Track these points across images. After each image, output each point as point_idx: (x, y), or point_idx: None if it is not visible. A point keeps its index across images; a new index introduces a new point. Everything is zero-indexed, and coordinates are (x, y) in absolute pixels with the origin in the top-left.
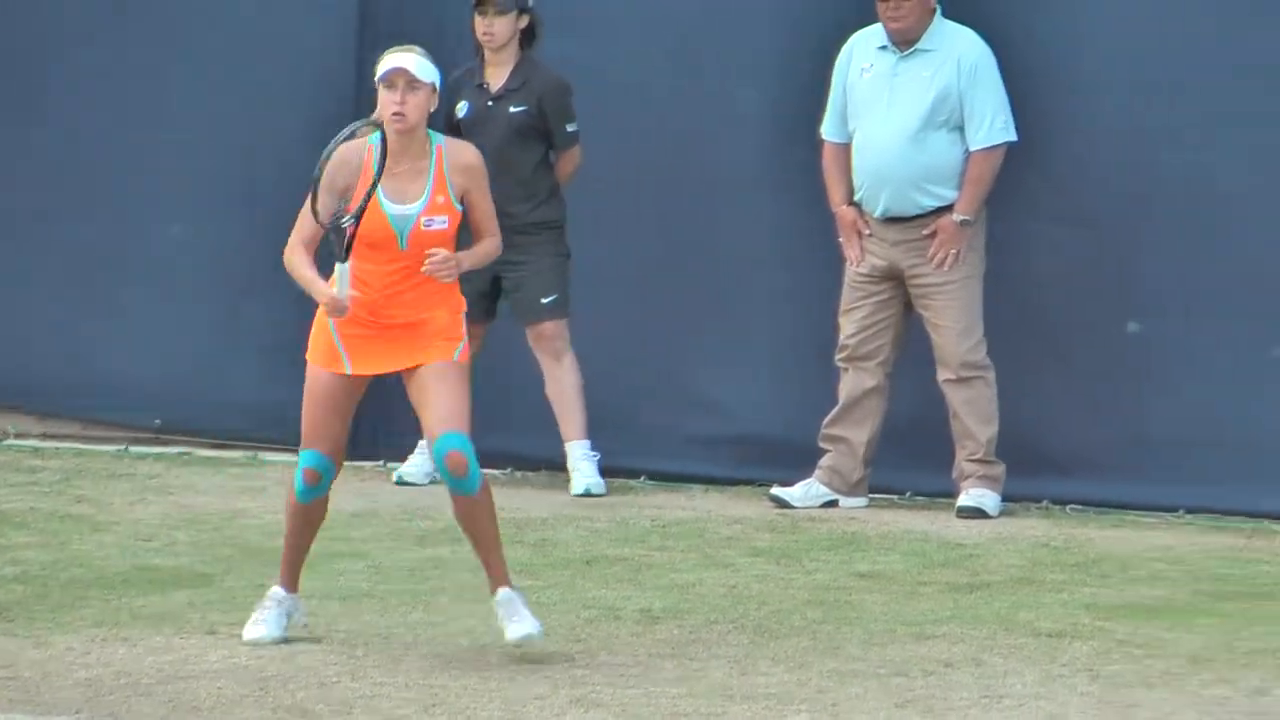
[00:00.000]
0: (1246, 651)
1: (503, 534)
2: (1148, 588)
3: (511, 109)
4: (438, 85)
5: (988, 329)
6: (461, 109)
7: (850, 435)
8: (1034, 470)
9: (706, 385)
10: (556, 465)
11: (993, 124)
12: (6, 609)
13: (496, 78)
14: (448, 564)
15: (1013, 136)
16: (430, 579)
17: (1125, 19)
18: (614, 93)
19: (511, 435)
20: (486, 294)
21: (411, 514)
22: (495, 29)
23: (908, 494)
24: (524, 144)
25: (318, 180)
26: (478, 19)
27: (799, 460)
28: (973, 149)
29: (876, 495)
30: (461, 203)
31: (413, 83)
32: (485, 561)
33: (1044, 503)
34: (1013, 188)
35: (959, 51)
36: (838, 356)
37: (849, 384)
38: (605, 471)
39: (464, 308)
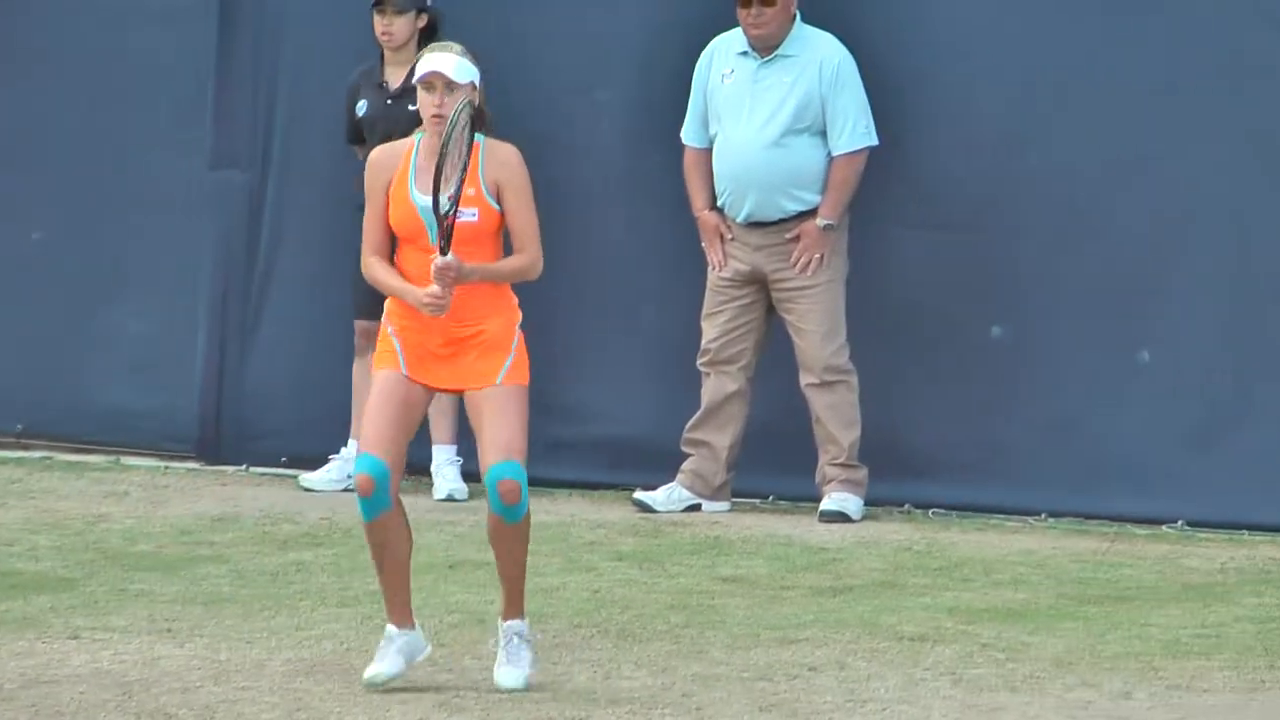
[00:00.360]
0: (1110, 655)
1: (362, 539)
2: (1011, 591)
3: (410, 107)
4: (477, 83)
5: (851, 333)
6: (360, 107)
7: (713, 439)
8: (897, 474)
9: (570, 389)
10: (420, 470)
11: (854, 128)
12: None
13: (395, 76)
14: (310, 568)
15: (874, 141)
16: (293, 583)
17: (987, 24)
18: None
19: None
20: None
21: (274, 518)
22: (394, 28)
23: (770, 498)
24: None
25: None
26: (376, 18)
27: (663, 464)
28: (835, 154)
29: (739, 499)
30: (498, 201)
31: (450, 84)
32: (506, 588)
33: (906, 507)
34: (875, 192)
35: (820, 56)
36: (700, 360)
37: (711, 388)
38: (468, 476)
39: (519, 318)
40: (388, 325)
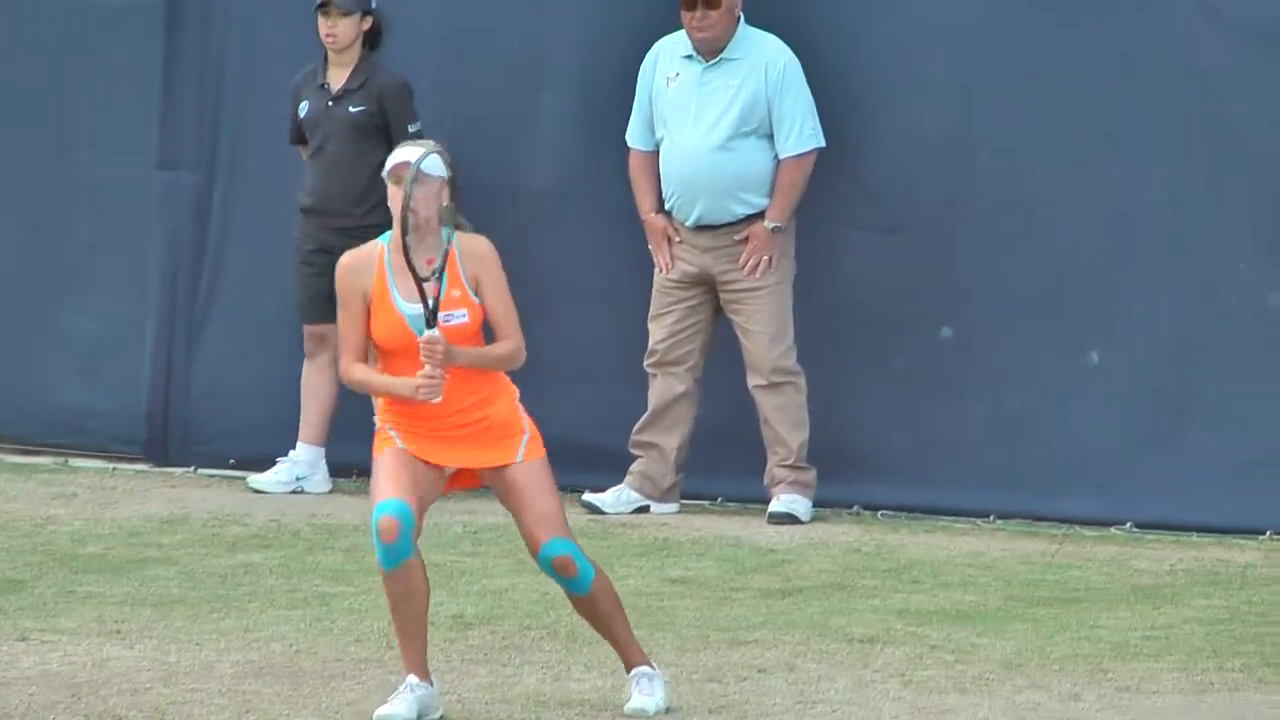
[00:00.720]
0: (1058, 657)
1: (315, 540)
2: (960, 593)
3: (350, 109)
4: (445, 178)
5: (799, 335)
6: (302, 109)
7: (661, 441)
8: (845, 475)
9: (523, 391)
10: (367, 471)
11: (801, 130)
12: None
13: (337, 78)
14: (259, 570)
15: (821, 142)
16: (242, 585)
17: (936, 24)
18: (421, 99)
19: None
20: (328, 295)
21: (223, 520)
22: (338, 30)
23: (719, 500)
24: (363, 144)
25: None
26: (321, 20)
27: (611, 465)
28: (782, 156)
29: (688, 501)
30: (478, 296)
31: (419, 178)
32: (614, 646)
33: (855, 508)
34: (823, 194)
35: (766, 59)
36: (647, 362)
37: (658, 390)
38: None
39: (517, 393)
40: (386, 426)
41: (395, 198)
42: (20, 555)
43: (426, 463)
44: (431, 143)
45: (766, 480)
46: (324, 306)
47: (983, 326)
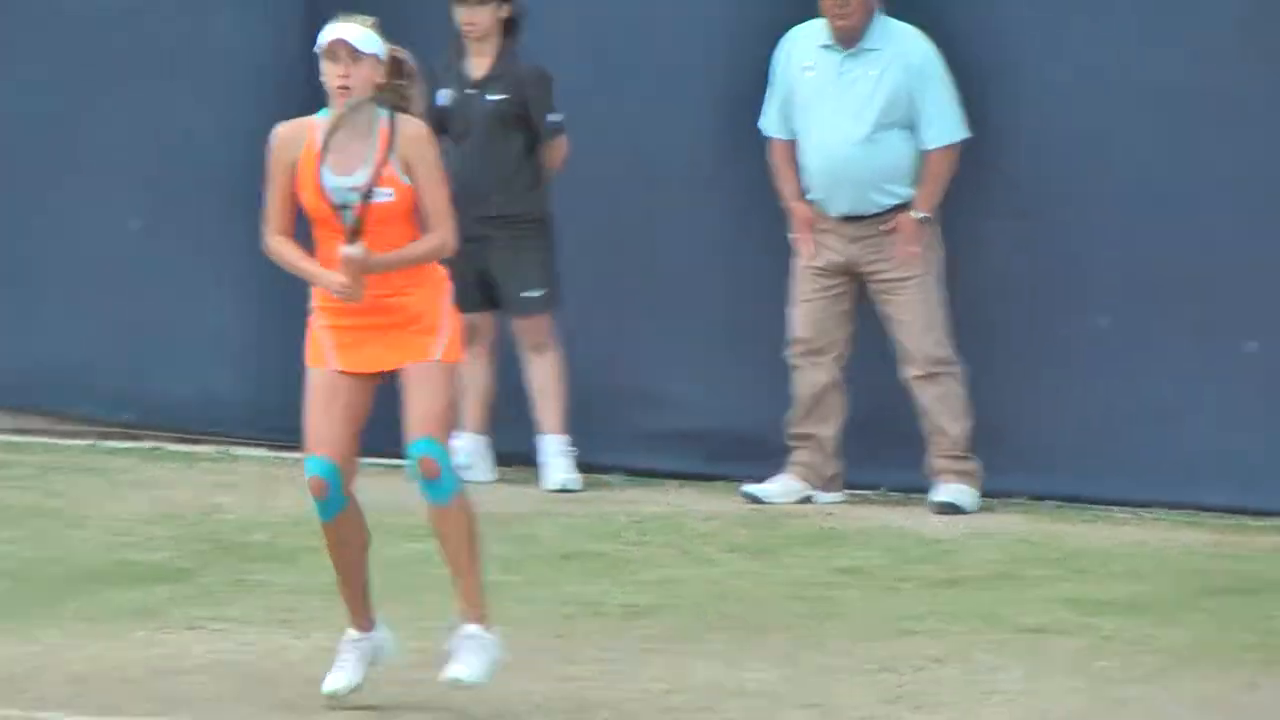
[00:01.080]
0: (1235, 646)
1: (482, 529)
2: (1129, 583)
3: (490, 97)
4: (381, 56)
5: (956, 325)
6: (442, 97)
7: (817, 431)
8: (1008, 465)
9: (664, 380)
10: (528, 460)
11: (947, 122)
12: None
13: (477, 68)
14: (426, 559)
15: (967, 133)
16: (415, 574)
17: (1072, 12)
18: (563, 89)
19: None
20: (478, 284)
21: (393, 510)
22: (476, 19)
23: (881, 489)
24: (504, 134)
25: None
26: (459, 9)
27: (768, 455)
28: (929, 147)
29: (850, 490)
30: (410, 178)
31: (354, 54)
32: (455, 585)
33: (1022, 498)
34: (968, 182)
35: (906, 50)
36: (790, 351)
37: (805, 380)
38: (579, 467)
39: (447, 290)
40: (317, 318)
41: (330, 74)
42: (188, 544)
43: (354, 374)
44: (367, 17)
45: (926, 470)
46: (470, 295)
47: (1139, 315)
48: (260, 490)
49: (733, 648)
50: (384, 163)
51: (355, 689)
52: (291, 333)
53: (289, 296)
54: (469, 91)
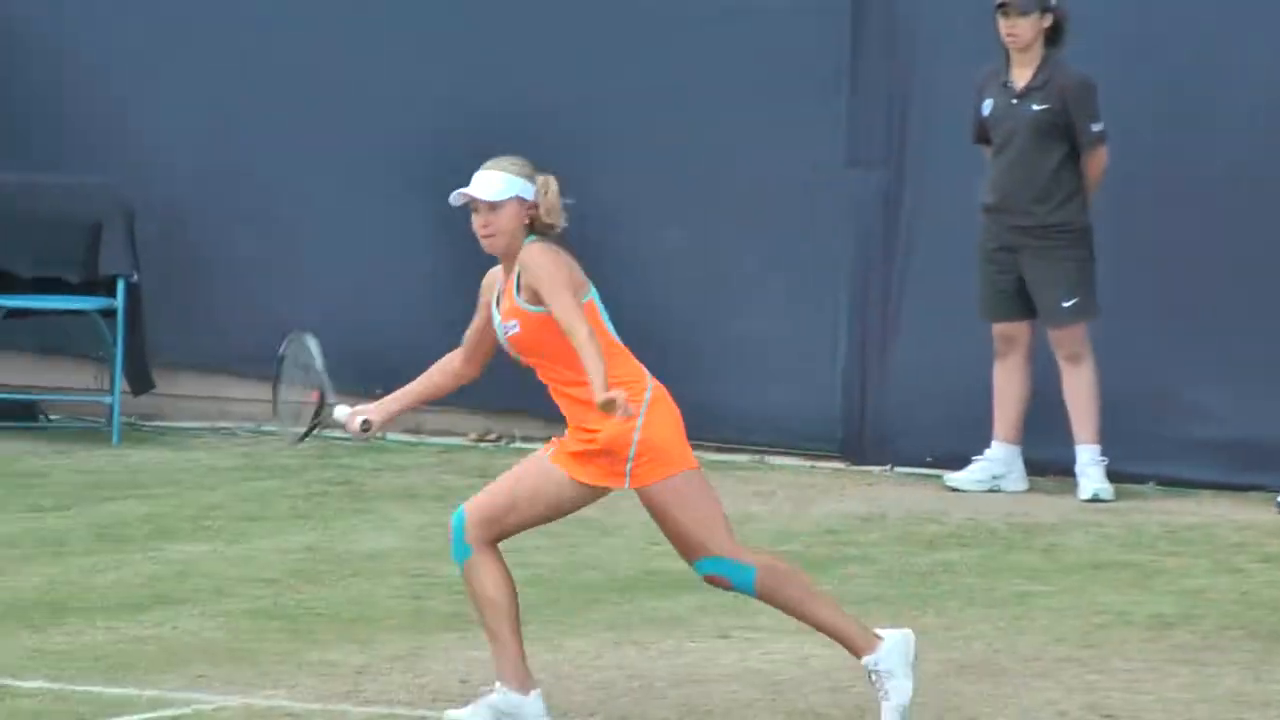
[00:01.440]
0: None
1: (1012, 539)
2: None
3: (1034, 107)
4: (525, 195)
5: None
6: (985, 107)
7: None
8: None
9: (1204, 389)
10: (1065, 470)
11: None
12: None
13: (1020, 77)
14: (957, 568)
15: None
16: (940, 584)
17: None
18: (1105, 98)
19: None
20: (1015, 293)
21: (919, 518)
22: (1018, 29)
23: None
24: (1045, 143)
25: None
26: (1000, 20)
27: None
28: None
29: None
30: (536, 304)
31: (490, 205)
32: (826, 634)
33: None
34: None
35: None
36: None
37: None
38: (1112, 477)
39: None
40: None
41: (475, 223)
42: None
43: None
44: (510, 159)
45: None
46: (1007, 305)
47: None
48: (795, 499)
49: (1260, 658)
50: (510, 296)
51: None
52: (825, 342)
53: (820, 304)
54: (1013, 101)
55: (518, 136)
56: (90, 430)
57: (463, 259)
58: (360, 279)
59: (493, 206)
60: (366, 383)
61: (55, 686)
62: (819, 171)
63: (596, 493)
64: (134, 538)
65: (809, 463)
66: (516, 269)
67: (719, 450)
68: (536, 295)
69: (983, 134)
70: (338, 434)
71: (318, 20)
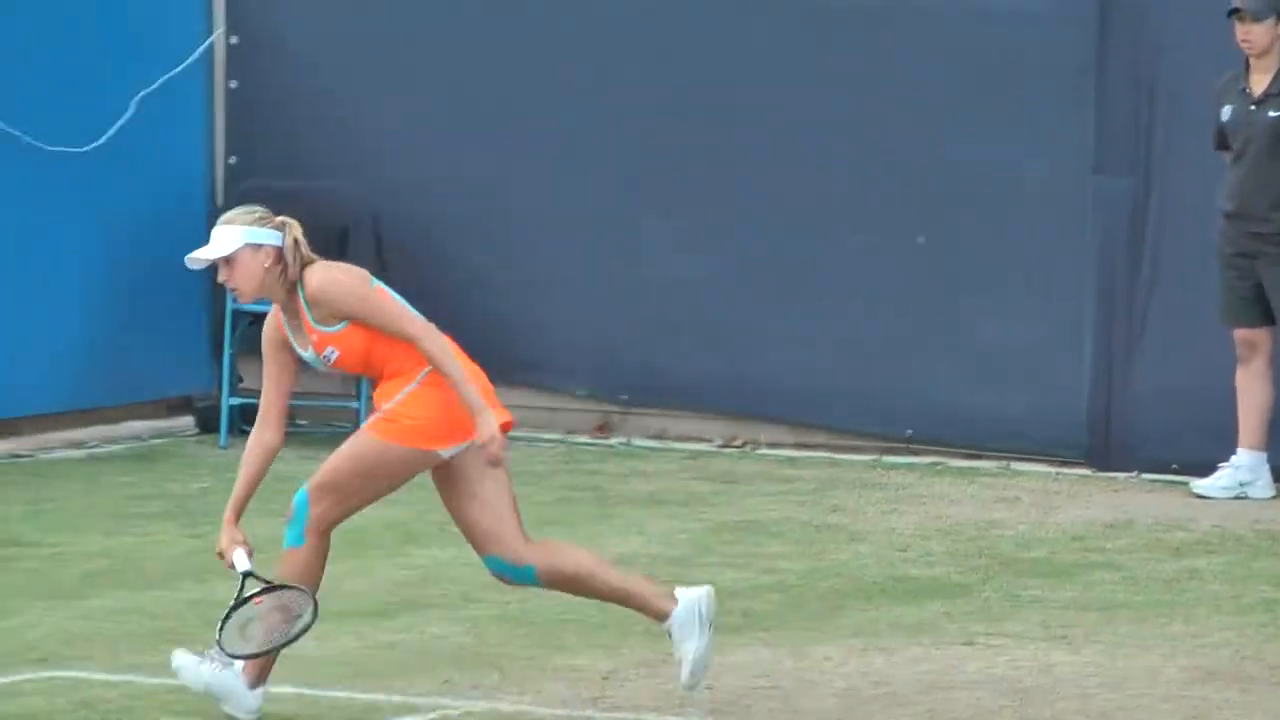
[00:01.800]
0: None
1: (1259, 545)
2: None
3: (1270, 114)
4: (259, 240)
5: None
6: (1225, 113)
7: None
8: None
9: None
10: None
11: None
12: (764, 618)
13: (1258, 83)
14: (1203, 575)
15: None
16: (1187, 590)
17: None
18: None
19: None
20: (1254, 299)
21: (1166, 525)
22: (1253, 36)
23: None
24: None
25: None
26: (1236, 25)
27: None
28: None
29: None
30: (346, 321)
31: (227, 260)
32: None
33: None
34: None
35: None
36: None
37: None
38: None
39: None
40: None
41: (224, 277)
42: (966, 559)
43: None
44: (239, 212)
45: None
46: (1248, 311)
47: None
48: (1040, 506)
49: None
50: (309, 330)
51: None
52: (1072, 348)
53: (1067, 309)
54: (1250, 108)
55: (751, 146)
56: (338, 435)
57: (706, 269)
58: (598, 289)
59: (227, 261)
60: (608, 387)
61: (304, 692)
62: (1065, 176)
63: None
64: (381, 543)
65: (1054, 469)
66: (300, 303)
67: (965, 456)
68: (337, 318)
69: (1223, 141)
70: (582, 438)
71: (566, 30)
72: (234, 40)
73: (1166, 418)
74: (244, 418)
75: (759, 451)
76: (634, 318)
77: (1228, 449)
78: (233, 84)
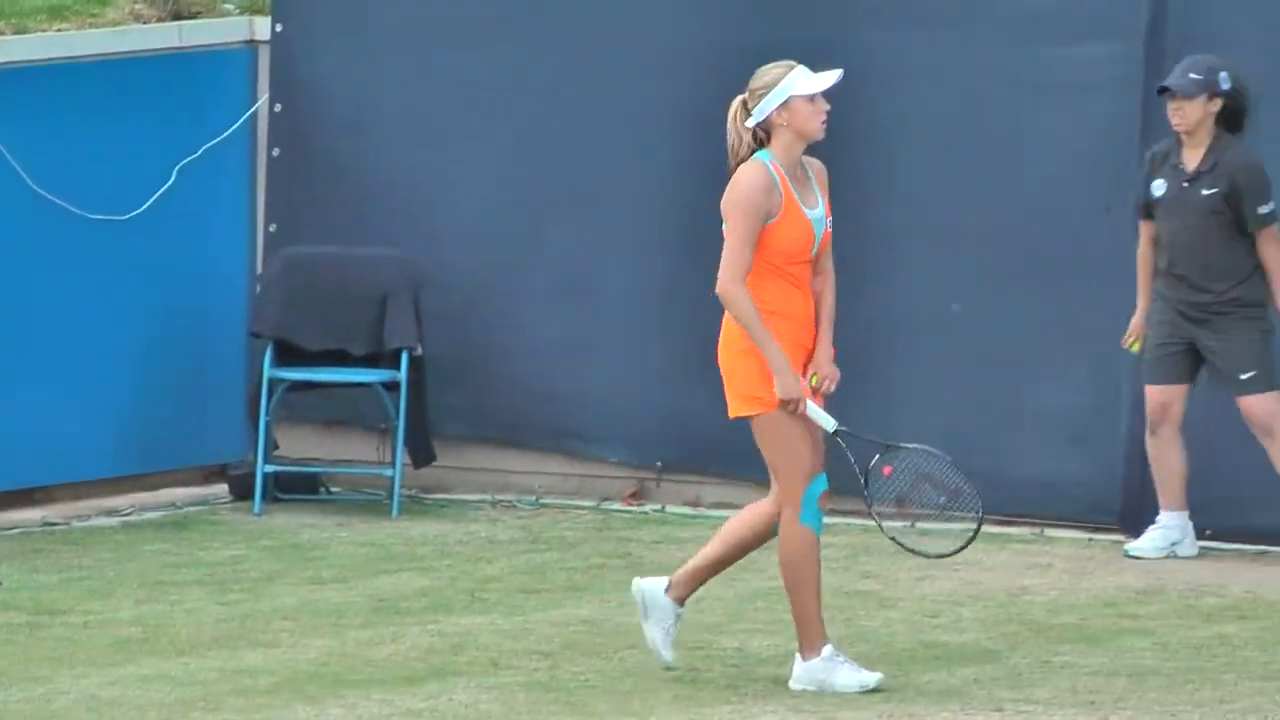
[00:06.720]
0: None
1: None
2: None
3: (1205, 191)
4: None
5: None
6: (1157, 188)
7: None
8: None
9: None
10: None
11: None
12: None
13: (1191, 159)
14: (1234, 641)
15: None
16: (1217, 656)
17: None
18: None
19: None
20: (1183, 354)
21: (1199, 590)
22: (1184, 113)
23: None
24: (1218, 227)
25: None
26: (1168, 103)
27: None
28: None
29: None
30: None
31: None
32: None
33: None
34: None
35: None
36: None
37: None
38: None
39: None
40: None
41: (815, 115)
42: (996, 625)
43: None
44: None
45: None
46: (1174, 367)
47: None
48: (1072, 571)
49: None
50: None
51: None
52: (1108, 411)
53: (1105, 372)
54: (1184, 184)
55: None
56: (371, 503)
57: None
58: (633, 356)
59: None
60: (658, 458)
61: None
62: (1112, 236)
63: None
64: (411, 610)
65: (1087, 535)
66: (806, 169)
67: (998, 523)
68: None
69: (1148, 211)
70: (615, 505)
71: (604, 93)
72: (278, 108)
73: (1197, 484)
74: (279, 485)
75: None
76: (668, 383)
77: (1263, 514)
78: (275, 152)
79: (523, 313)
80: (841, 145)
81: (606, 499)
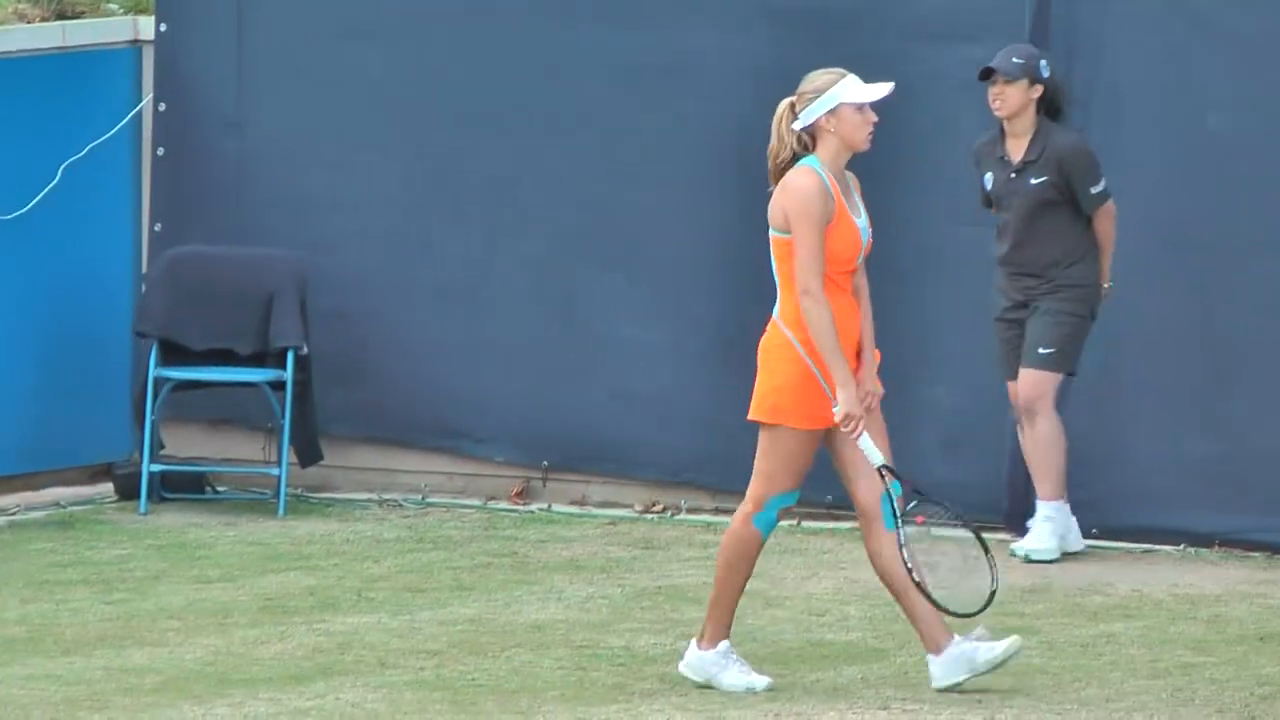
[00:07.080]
0: None
1: (1176, 610)
2: None
3: (1032, 181)
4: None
5: None
6: (986, 181)
7: None
8: None
9: None
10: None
11: None
12: (681, 684)
13: (1015, 149)
14: (1120, 640)
15: None
16: (1103, 655)
17: None
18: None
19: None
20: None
21: (1085, 589)
22: (1005, 97)
23: None
24: (1051, 214)
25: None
26: (989, 88)
27: None
28: None
29: None
30: None
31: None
32: None
33: None
34: None
35: None
36: None
37: None
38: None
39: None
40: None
41: (862, 125)
42: (882, 624)
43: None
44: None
45: None
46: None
47: None
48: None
49: None
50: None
51: None
52: (992, 413)
53: (985, 375)
54: (1011, 176)
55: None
56: (257, 502)
57: (629, 334)
58: (519, 356)
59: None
60: (544, 458)
61: None
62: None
63: None
64: (298, 609)
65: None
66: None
67: None
68: None
69: (988, 201)
70: (503, 505)
71: (497, 89)
72: (162, 107)
73: (1083, 482)
74: (165, 484)
75: (679, 517)
76: (554, 383)
77: (1148, 513)
78: (160, 151)
79: (410, 312)
80: None
81: (493, 498)
